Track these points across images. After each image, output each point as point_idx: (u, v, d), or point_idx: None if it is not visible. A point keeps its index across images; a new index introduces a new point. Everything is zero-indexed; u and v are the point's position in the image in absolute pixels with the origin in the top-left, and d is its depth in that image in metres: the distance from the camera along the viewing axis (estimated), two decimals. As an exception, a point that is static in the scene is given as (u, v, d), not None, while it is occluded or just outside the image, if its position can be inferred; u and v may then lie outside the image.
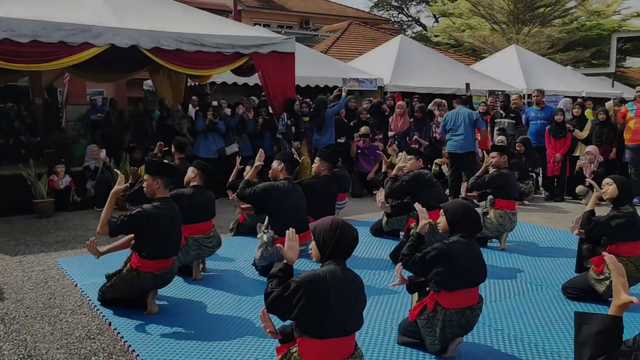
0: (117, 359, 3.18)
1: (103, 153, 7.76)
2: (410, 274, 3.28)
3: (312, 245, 2.55)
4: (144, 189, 3.83)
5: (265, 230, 4.57)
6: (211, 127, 8.15)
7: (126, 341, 3.35)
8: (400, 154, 8.30)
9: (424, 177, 5.08)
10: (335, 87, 11.03)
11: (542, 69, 16.55)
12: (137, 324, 3.61)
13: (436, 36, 31.74)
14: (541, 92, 8.71)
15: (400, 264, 3.11)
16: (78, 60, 6.99)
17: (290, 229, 2.58)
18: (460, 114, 7.83)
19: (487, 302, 3.97)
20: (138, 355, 3.17)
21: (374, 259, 5.18)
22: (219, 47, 7.81)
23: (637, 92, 7.48)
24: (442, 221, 3.14)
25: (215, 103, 9.31)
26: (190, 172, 4.60)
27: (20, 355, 3.20)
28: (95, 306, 3.91)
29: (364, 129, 8.60)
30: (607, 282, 3.66)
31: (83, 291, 4.24)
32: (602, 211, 4.08)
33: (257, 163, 4.77)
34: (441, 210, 3.16)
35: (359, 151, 8.76)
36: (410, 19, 43.68)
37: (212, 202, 4.54)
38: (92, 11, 7.16)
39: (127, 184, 4.18)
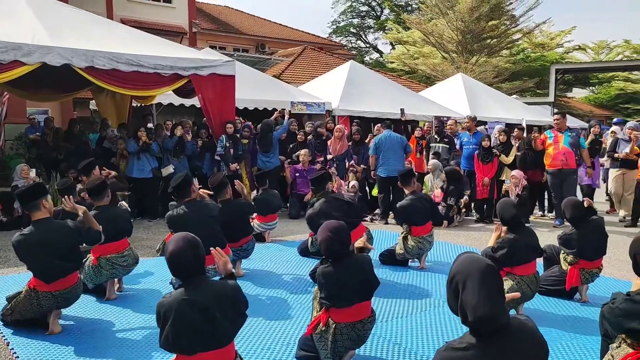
0: (7, 380, 3.12)
1: (33, 172, 7.61)
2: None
3: None
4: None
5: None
6: (145, 148, 8.18)
7: (20, 361, 3.29)
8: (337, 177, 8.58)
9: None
10: (287, 110, 11.22)
11: (486, 97, 17.27)
12: (36, 343, 3.55)
13: (391, 62, 32.74)
14: (472, 119, 9.12)
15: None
16: (7, 78, 6.89)
17: (214, 248, 2.75)
18: (391, 139, 8.18)
19: (392, 318, 4.12)
20: (29, 375, 3.12)
21: (292, 276, 5.28)
22: (156, 67, 7.85)
23: (554, 119, 7.94)
24: None
25: (149, 125, 9.30)
26: None
27: None
28: (-4, 326, 3.82)
29: (303, 154, 8.75)
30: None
31: (-13, 312, 4.13)
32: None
33: None
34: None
35: (297, 174, 8.90)
36: (368, 45, 44.95)
37: (123, 221, 4.50)
38: (25, 29, 7.09)
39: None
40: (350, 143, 9.23)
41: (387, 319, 4.10)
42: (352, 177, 8.86)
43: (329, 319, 3.16)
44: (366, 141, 9.32)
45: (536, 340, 1.94)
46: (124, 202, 5.64)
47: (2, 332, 3.72)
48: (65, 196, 4.07)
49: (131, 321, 4.04)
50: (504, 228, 4.07)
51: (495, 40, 27.43)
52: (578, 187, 8.39)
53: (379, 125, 9.42)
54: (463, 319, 1.87)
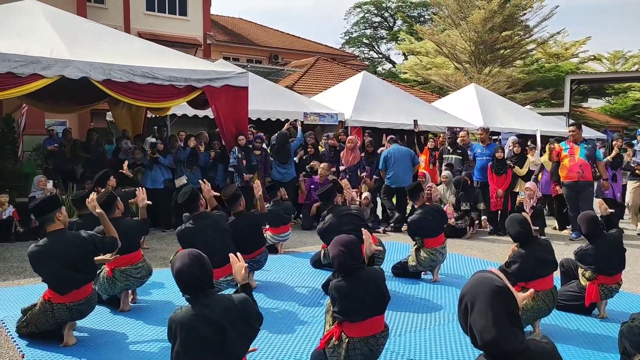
0: (22, 391, 3.15)
1: (50, 184, 7.72)
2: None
3: None
4: None
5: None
6: (153, 161, 8.34)
7: (35, 373, 3.32)
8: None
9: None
10: (299, 121, 11.27)
11: (499, 108, 17.15)
12: (51, 355, 3.58)
13: (404, 73, 32.75)
14: (485, 130, 9.06)
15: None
16: (27, 90, 7.02)
17: (232, 254, 2.82)
18: (399, 151, 8.43)
19: (405, 332, 4.09)
20: (44, 387, 3.14)
21: (305, 288, 5.27)
22: (171, 80, 7.95)
23: (570, 131, 7.86)
24: None
25: (152, 140, 9.41)
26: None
27: None
28: (12, 337, 3.86)
29: (322, 168, 8.74)
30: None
31: (3, 323, 4.17)
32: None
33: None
34: None
35: (313, 186, 8.90)
36: (380, 56, 45.10)
37: (135, 233, 4.53)
38: (43, 43, 7.23)
39: None
40: (362, 154, 9.23)
41: (400, 333, 4.06)
42: (365, 189, 8.85)
43: (342, 333, 3.14)
44: (378, 151, 9.33)
45: None
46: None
47: (17, 344, 3.75)
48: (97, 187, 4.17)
49: (145, 333, 4.05)
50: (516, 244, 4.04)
51: (508, 50, 27.30)
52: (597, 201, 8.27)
53: (390, 137, 9.42)
54: (473, 341, 1.84)
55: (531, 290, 2.31)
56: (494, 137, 15.12)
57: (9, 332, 3.97)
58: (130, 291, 4.63)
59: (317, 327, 4.12)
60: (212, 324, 2.45)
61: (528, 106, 25.33)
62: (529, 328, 3.97)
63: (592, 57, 35.37)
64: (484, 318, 1.77)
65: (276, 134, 9.18)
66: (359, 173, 9.13)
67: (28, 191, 8.43)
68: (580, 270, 4.43)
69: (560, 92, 28.73)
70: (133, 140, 9.70)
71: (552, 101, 29.75)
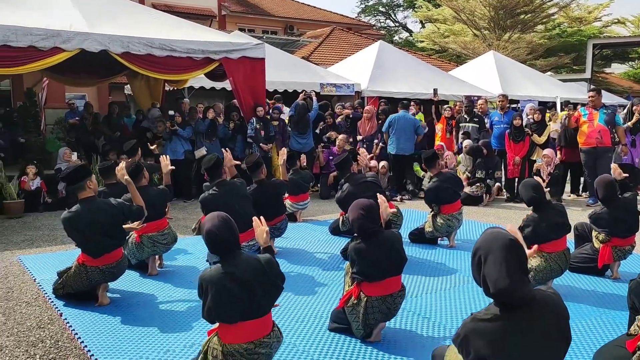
0: (63, 345, 3.37)
1: (74, 156, 7.94)
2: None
3: None
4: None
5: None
6: (172, 133, 8.53)
7: (74, 329, 3.55)
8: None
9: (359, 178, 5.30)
10: (313, 91, 11.30)
11: (518, 75, 16.89)
12: (87, 314, 3.81)
13: (421, 42, 32.18)
14: (505, 97, 9.00)
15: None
16: (48, 64, 7.18)
17: (255, 218, 2.92)
18: (405, 119, 8.54)
19: (422, 294, 4.23)
20: (83, 342, 3.37)
21: (324, 254, 5.45)
22: (189, 52, 8.04)
23: (589, 97, 7.78)
24: None
25: (171, 112, 9.51)
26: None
27: (-29, 343, 3.39)
28: (50, 298, 4.11)
29: (340, 139, 8.81)
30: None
31: (40, 285, 4.43)
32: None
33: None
34: None
35: (331, 157, 9.00)
36: (397, 24, 44.26)
37: (160, 201, 4.69)
38: (63, 17, 7.35)
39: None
40: (379, 122, 9.26)
41: (416, 295, 4.21)
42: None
43: (361, 292, 3.29)
44: None
45: (560, 312, 2.01)
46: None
47: (55, 304, 4.00)
48: (124, 156, 4.35)
49: (172, 295, 4.27)
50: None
51: (529, 15, 26.57)
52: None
53: (402, 102, 9.40)
54: (486, 291, 1.97)
55: (535, 246, 2.45)
56: (513, 105, 14.95)
57: (46, 293, 4.22)
58: (157, 256, 4.85)
59: (336, 289, 4.29)
60: (241, 282, 2.60)
61: (549, 73, 24.81)
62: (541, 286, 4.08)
63: (616, 21, 34.24)
64: (498, 268, 1.91)
65: (294, 105, 9.26)
66: (375, 142, 9.19)
67: (53, 164, 8.70)
68: (594, 233, 4.50)
69: (582, 58, 27.98)
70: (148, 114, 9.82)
71: (574, 67, 29.04)
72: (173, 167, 4.89)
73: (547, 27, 29.76)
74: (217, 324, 2.69)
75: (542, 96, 15.78)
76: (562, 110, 9.51)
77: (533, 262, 3.95)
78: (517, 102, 15.14)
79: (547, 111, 9.11)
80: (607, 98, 19.20)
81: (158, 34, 7.94)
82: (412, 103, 9.58)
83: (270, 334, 2.72)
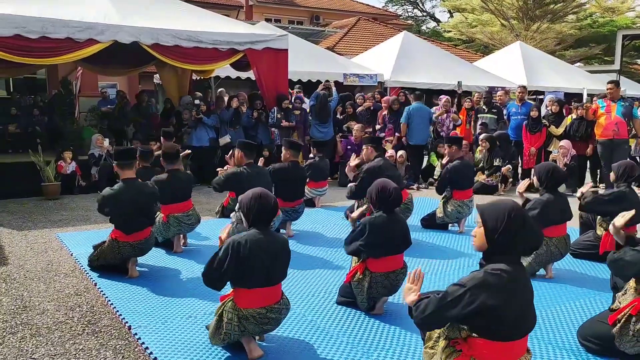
0: (98, 310, 3.76)
1: (106, 142, 8.40)
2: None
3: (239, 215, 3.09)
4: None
5: (237, 211, 5.11)
6: (197, 121, 8.93)
7: (107, 297, 3.94)
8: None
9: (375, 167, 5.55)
10: (336, 82, 11.54)
11: (544, 66, 16.69)
12: (118, 284, 4.20)
13: (448, 32, 31.92)
14: (524, 89, 9.08)
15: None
16: (84, 55, 7.63)
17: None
18: (422, 110, 8.90)
19: (426, 275, 4.47)
20: (115, 307, 3.75)
21: (337, 238, 5.72)
22: (215, 43, 8.38)
23: (607, 89, 7.80)
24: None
25: (197, 101, 9.80)
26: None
27: (17, 306, 3.80)
28: (85, 270, 4.52)
29: (357, 129, 9.04)
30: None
31: (77, 259, 4.85)
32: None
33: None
34: None
35: (349, 147, 9.26)
36: (424, 14, 43.85)
37: (187, 184, 5.09)
38: (97, 9, 7.77)
39: None
40: (386, 112, 9.47)
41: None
42: (389, 147, 9.06)
43: (366, 269, 3.57)
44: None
45: None
46: None
47: (90, 275, 4.40)
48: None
49: (195, 270, 4.61)
50: (534, 179, 4.31)
51: (560, 4, 26.11)
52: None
53: (415, 93, 9.56)
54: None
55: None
56: (540, 97, 14.82)
57: (82, 266, 4.63)
58: (181, 235, 5.22)
59: (345, 266, 4.58)
60: (269, 252, 2.90)
61: (578, 64, 24.37)
62: (541, 272, 4.29)
63: (651, 11, 33.26)
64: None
65: (314, 95, 9.52)
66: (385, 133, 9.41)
67: (86, 150, 9.18)
68: (597, 221, 4.66)
69: (613, 49, 27.38)
70: (179, 101, 10.21)
71: (605, 58, 28.41)
72: (189, 151, 5.35)
73: (578, 17, 29.15)
74: (229, 291, 3.01)
75: (568, 87, 15.61)
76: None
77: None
78: (542, 93, 15.03)
79: (573, 104, 9.08)
80: (635, 89, 18.80)
81: (185, 25, 8.29)
82: (444, 99, 9.63)
83: (280, 301, 3.02)
